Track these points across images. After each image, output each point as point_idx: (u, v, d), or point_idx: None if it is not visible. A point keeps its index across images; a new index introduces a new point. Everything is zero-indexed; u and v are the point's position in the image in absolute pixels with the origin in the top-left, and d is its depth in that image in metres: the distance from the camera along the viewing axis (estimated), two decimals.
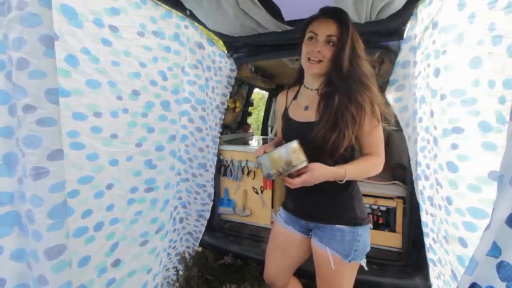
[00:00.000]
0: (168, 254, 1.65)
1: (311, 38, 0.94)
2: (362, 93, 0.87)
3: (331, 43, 0.91)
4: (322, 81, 0.98)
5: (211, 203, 1.84)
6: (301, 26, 1.00)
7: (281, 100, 1.14)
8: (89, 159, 0.91)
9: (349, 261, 0.94)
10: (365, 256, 0.99)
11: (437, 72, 0.93)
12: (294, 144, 0.85)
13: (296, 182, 0.85)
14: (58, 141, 0.62)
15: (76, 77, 0.86)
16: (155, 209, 1.22)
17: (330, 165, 0.90)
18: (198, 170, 1.70)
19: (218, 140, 1.85)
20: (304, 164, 0.86)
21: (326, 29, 0.91)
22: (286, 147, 0.85)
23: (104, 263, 0.98)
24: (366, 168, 0.93)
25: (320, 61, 0.92)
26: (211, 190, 1.85)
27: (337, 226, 0.95)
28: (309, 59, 0.93)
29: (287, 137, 1.05)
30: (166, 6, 1.22)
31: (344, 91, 0.88)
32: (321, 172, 0.86)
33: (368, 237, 0.98)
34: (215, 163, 1.84)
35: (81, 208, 0.88)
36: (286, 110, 1.08)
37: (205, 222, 1.84)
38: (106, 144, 0.96)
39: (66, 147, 0.82)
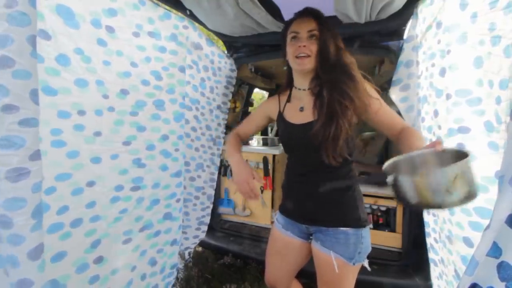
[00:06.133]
0: (170, 255, 1.64)
1: (293, 37, 0.96)
2: (348, 82, 0.89)
3: (314, 37, 0.93)
4: (311, 79, 0.99)
5: (211, 206, 1.82)
6: None
7: (273, 104, 1.12)
8: (69, 157, 0.90)
9: (353, 264, 0.92)
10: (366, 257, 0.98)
11: (442, 72, 0.92)
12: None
13: None
14: (37, 142, 0.62)
15: (65, 76, 0.85)
16: (141, 208, 1.21)
17: (336, 159, 0.87)
18: (196, 172, 1.67)
19: (222, 140, 1.83)
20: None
21: (307, 26, 0.94)
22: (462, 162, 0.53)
23: (83, 259, 0.98)
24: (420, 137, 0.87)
25: (308, 56, 0.93)
26: (211, 192, 1.82)
27: (341, 229, 0.93)
28: (296, 57, 0.94)
29: (285, 142, 1.05)
30: (166, 7, 1.22)
31: (330, 83, 0.90)
32: None
33: (369, 238, 0.97)
34: (215, 163, 1.82)
35: (56, 205, 0.88)
36: (281, 114, 1.07)
37: (206, 229, 1.80)
38: (88, 142, 0.96)
39: (47, 145, 0.82)
